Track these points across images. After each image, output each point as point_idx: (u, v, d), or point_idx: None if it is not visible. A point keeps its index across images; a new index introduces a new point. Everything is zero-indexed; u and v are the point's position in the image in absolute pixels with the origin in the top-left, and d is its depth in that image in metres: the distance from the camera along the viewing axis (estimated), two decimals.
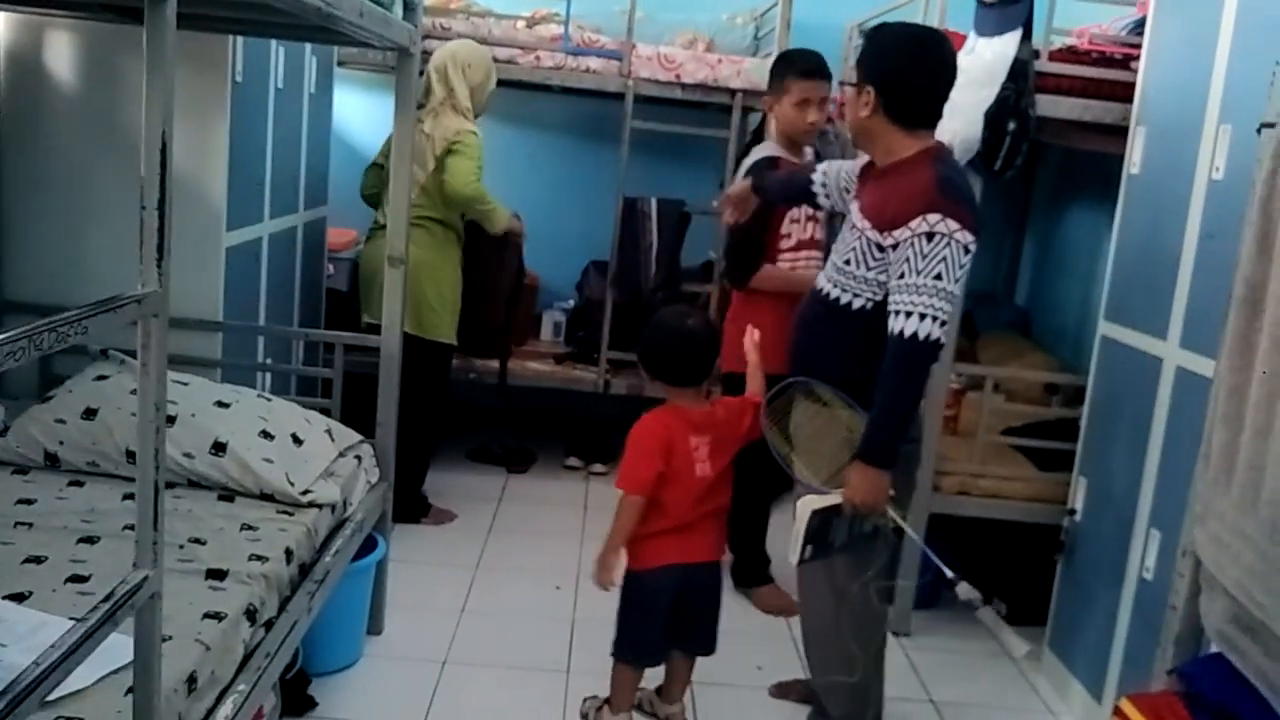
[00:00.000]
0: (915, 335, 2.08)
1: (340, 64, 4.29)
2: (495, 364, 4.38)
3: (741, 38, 4.93)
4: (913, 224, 2.11)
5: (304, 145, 3.84)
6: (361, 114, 4.92)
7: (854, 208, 2.39)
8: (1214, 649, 1.84)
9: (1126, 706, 1.88)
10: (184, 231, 1.46)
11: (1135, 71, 2.98)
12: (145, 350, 1.24)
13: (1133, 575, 2.70)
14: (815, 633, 2.50)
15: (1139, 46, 3.00)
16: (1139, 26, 3.13)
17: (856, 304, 2.26)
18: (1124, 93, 3.03)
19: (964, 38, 3.32)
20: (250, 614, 1.92)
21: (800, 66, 3.16)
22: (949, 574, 2.17)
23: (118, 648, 1.53)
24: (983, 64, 3.07)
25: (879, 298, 2.22)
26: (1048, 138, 3.23)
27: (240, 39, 3.03)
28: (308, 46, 3.71)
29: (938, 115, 2.31)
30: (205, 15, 2.50)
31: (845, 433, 2.23)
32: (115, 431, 2.45)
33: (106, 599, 1.22)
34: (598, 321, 4.53)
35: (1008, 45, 3.06)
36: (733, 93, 4.34)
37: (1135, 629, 2.67)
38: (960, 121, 3.02)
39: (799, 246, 3.23)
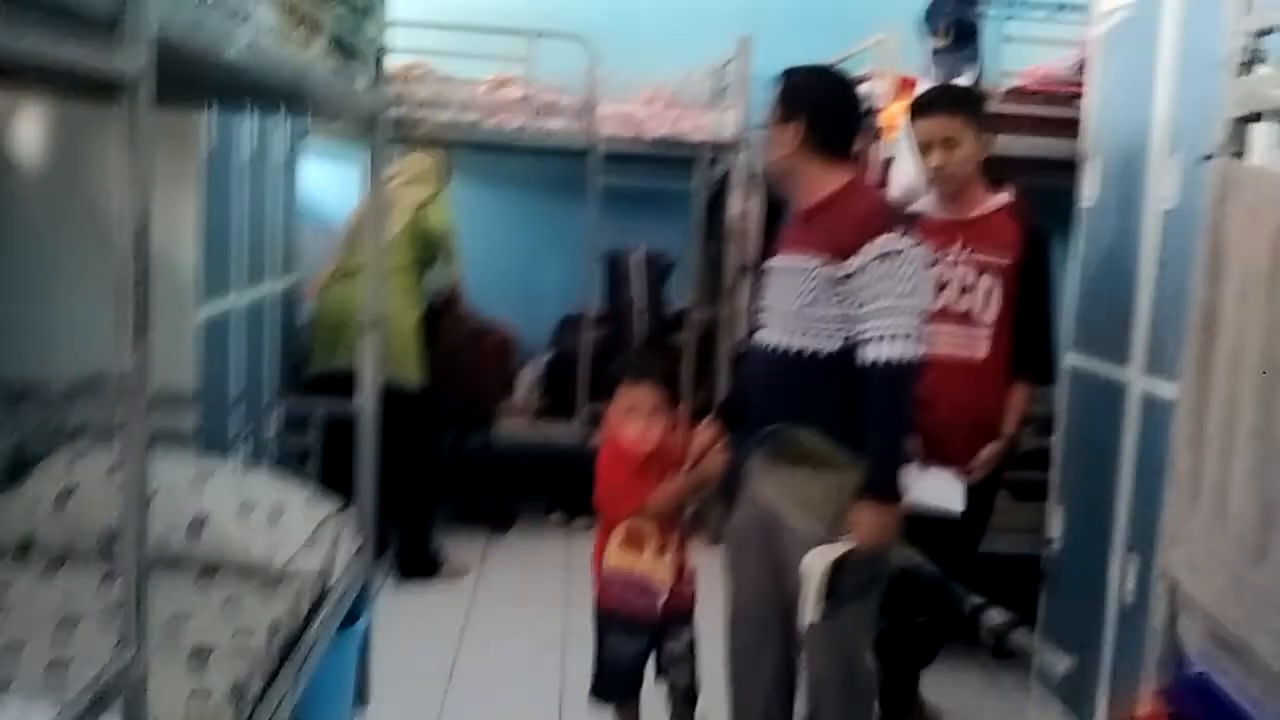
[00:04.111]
0: (893, 358, 2.06)
1: (306, 132, 4.34)
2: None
3: (702, 91, 5.02)
4: (870, 246, 2.10)
5: (274, 214, 3.87)
6: (327, 179, 4.97)
7: (785, 253, 2.31)
8: (1196, 668, 1.86)
9: None
10: (156, 305, 1.46)
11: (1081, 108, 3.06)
12: (125, 429, 1.25)
13: (1114, 600, 2.72)
14: (818, 701, 2.34)
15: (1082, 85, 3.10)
16: (1082, 66, 3.24)
17: (829, 348, 2.17)
18: (1074, 129, 3.11)
19: (915, 82, 3.41)
20: (238, 691, 1.91)
21: (915, 104, 2.86)
22: (976, 601, 2.10)
23: None
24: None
25: (849, 333, 2.15)
26: (1004, 175, 3.31)
27: (211, 113, 3.06)
28: (276, 117, 3.76)
29: (853, 148, 2.36)
30: (183, 91, 2.53)
31: (834, 475, 2.14)
32: (92, 514, 2.43)
33: (94, 682, 1.21)
34: (575, 375, 4.55)
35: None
36: (696, 145, 4.42)
37: (1120, 653, 2.69)
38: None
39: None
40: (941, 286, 2.67)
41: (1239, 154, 1.89)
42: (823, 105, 2.27)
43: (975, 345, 2.69)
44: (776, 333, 2.28)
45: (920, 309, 2.11)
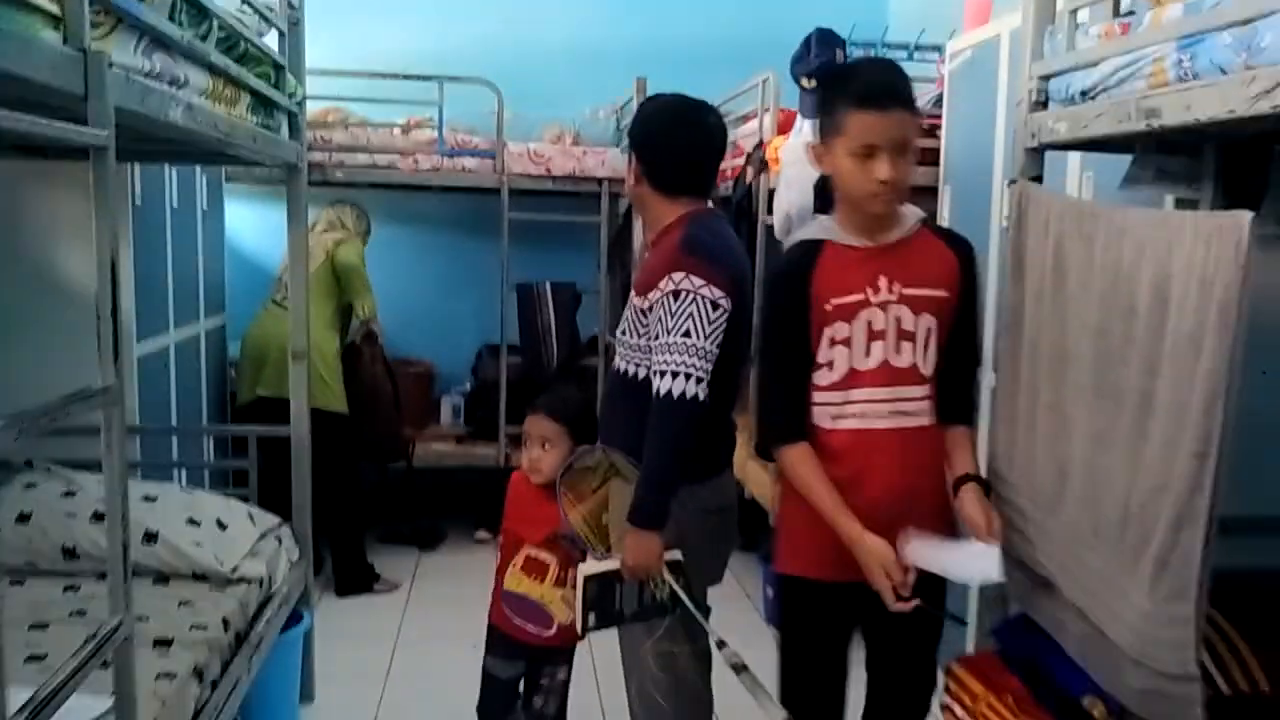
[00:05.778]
0: (670, 393, 2.06)
1: (228, 179, 4.58)
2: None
3: (605, 129, 5.39)
4: (661, 284, 2.12)
5: (200, 258, 4.11)
6: (252, 223, 5.20)
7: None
8: (1017, 610, 2.21)
9: (957, 668, 2.24)
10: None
11: (940, 139, 3.46)
12: (108, 433, 1.52)
13: None
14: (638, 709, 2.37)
15: (940, 117, 3.49)
16: (940, 100, 3.64)
17: (641, 374, 2.22)
18: (933, 158, 3.50)
19: (794, 116, 3.78)
20: (198, 673, 2.17)
21: (857, 90, 1.94)
22: (716, 638, 2.12)
23: (84, 710, 1.76)
24: (807, 142, 3.52)
25: (648, 365, 2.17)
26: None
27: (138, 166, 3.31)
28: (198, 167, 4.01)
29: (702, 182, 2.31)
30: (130, 152, 2.79)
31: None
32: (50, 531, 2.65)
33: (89, 640, 1.47)
34: (494, 401, 4.84)
35: None
36: (600, 181, 4.76)
37: (981, 617, 3.05)
38: (795, 193, 3.48)
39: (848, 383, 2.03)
40: (875, 337, 2.00)
41: (1037, 178, 2.27)
42: (654, 142, 2.27)
43: (921, 409, 2.06)
44: (617, 358, 2.37)
45: (701, 349, 2.08)
